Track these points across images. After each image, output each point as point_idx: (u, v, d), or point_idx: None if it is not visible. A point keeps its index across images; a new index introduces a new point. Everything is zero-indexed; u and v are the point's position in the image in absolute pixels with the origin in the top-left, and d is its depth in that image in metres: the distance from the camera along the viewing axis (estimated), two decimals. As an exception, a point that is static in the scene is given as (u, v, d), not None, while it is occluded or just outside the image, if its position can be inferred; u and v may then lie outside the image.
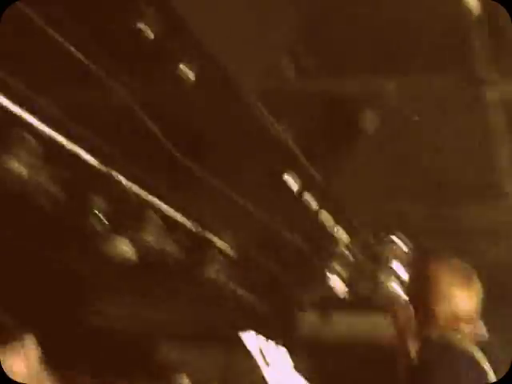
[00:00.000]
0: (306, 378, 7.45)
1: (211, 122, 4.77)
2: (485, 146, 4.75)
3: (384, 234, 6.92)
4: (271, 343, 2.86)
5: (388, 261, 6.85)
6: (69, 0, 3.69)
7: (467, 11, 3.36)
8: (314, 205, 5.84)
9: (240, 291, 6.80)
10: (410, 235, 6.70)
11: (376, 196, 5.71)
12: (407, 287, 2.81)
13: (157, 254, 5.89)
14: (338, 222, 6.42)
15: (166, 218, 5.89)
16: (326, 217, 6.24)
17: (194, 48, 3.88)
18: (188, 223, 6.19)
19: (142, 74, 4.22)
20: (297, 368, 7.36)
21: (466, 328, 2.60)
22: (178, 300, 7.06)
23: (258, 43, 4.07)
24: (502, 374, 2.57)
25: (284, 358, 2.86)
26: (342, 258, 7.19)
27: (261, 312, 7.49)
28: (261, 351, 2.85)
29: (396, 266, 6.91)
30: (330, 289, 7.28)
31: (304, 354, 7.71)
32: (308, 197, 5.65)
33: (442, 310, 2.62)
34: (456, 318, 2.61)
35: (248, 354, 6.77)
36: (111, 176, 5.17)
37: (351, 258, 7.15)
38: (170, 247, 5.94)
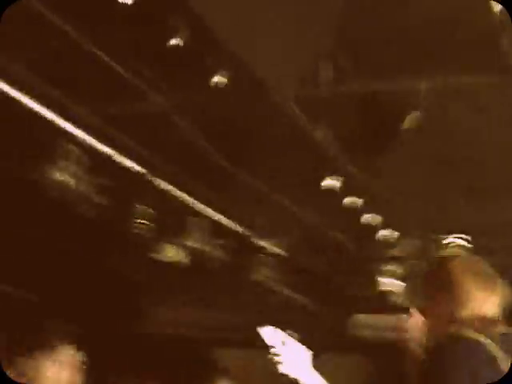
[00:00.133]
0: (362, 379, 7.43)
1: (250, 127, 4.80)
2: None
3: (432, 232, 6.85)
4: (291, 339, 2.84)
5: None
6: (106, 13, 3.76)
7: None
8: (359, 206, 5.82)
9: (289, 293, 6.82)
10: (459, 232, 6.62)
11: (421, 195, 5.67)
12: (427, 287, 2.78)
13: (204, 258, 5.96)
14: (385, 222, 6.39)
15: (212, 222, 5.95)
16: (373, 217, 6.22)
17: (229, 54, 3.91)
18: (235, 227, 6.24)
19: (180, 82, 4.28)
20: (351, 367, 7.35)
21: (489, 331, 2.56)
22: (228, 304, 7.12)
23: (294, 47, 4.09)
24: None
25: (304, 354, 2.84)
26: (391, 259, 7.16)
27: (312, 313, 7.51)
28: (279, 347, 2.83)
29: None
30: (381, 289, 7.25)
31: (356, 354, 7.70)
32: (352, 198, 5.64)
33: (464, 312, 2.59)
34: (478, 321, 2.57)
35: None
36: (155, 183, 5.25)
37: (401, 259, 7.11)
38: (217, 251, 6.00)
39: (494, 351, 2.46)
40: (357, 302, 7.51)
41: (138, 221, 5.33)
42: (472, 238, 6.52)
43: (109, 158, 4.88)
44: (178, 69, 4.02)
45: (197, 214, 5.74)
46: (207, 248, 5.88)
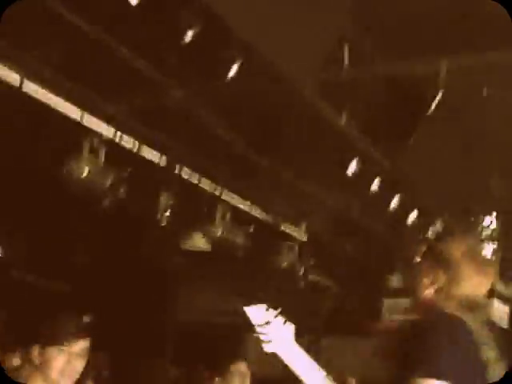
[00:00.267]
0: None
1: (272, 115, 4.80)
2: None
3: (465, 213, 6.78)
4: (278, 318, 2.81)
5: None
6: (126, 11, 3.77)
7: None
8: (386, 190, 5.77)
9: (317, 279, 6.82)
10: (489, 213, 6.54)
11: (451, 176, 5.60)
12: (425, 263, 2.80)
13: (231, 246, 5.97)
14: (415, 205, 6.33)
15: (237, 210, 5.95)
16: (401, 201, 6.16)
17: (245, 43, 3.90)
18: (262, 215, 6.24)
19: (199, 73, 4.28)
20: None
21: (477, 312, 2.59)
22: (255, 291, 7.12)
23: (311, 33, 4.06)
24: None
25: (289, 333, 2.80)
26: (421, 242, 7.09)
27: (341, 300, 7.50)
28: (264, 326, 2.81)
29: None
30: (413, 274, 7.20)
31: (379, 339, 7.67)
32: (379, 183, 5.59)
33: (456, 291, 2.62)
34: (467, 302, 2.61)
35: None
36: (179, 172, 5.28)
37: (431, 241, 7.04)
38: (244, 239, 6.00)
39: (478, 334, 2.50)
40: (386, 287, 7.47)
41: (165, 212, 5.35)
42: (503, 217, 6.44)
43: (133, 150, 4.91)
44: (196, 60, 4.03)
45: (222, 202, 5.75)
46: (234, 236, 5.89)
